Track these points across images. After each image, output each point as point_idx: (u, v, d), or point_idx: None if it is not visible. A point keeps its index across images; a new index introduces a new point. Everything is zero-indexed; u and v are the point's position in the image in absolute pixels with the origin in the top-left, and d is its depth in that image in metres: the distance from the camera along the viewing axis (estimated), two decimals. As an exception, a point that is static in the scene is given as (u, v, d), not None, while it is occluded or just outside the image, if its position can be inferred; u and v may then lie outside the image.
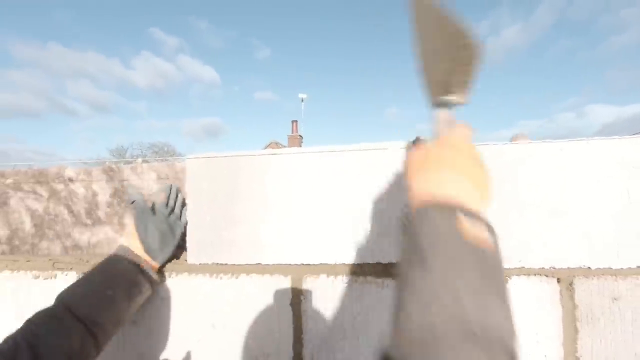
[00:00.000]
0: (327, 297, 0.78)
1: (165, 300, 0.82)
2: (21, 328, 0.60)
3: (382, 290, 0.76)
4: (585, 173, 0.71)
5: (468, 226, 0.34)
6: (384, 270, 0.76)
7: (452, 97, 0.47)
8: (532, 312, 0.72)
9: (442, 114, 0.48)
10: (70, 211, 1.08)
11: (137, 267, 0.74)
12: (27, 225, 1.09)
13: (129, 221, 0.80)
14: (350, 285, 0.77)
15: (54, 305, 0.65)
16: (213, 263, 0.81)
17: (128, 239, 0.78)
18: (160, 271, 0.81)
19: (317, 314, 0.78)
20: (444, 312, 0.29)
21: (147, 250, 0.76)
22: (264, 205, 0.80)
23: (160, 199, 0.80)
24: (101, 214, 1.07)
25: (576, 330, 0.71)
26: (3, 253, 1.04)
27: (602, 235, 0.70)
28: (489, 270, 0.32)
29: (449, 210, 0.35)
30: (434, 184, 0.39)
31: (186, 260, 0.83)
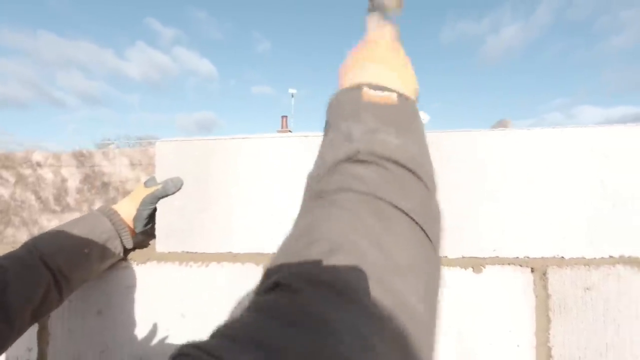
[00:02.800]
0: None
1: (132, 289, 0.80)
2: None
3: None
4: (559, 162, 0.71)
5: (370, 93, 0.39)
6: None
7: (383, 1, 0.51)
8: (506, 302, 0.71)
9: (373, 17, 0.51)
10: (38, 197, 1.04)
11: (116, 232, 0.73)
12: (-8, 211, 1.05)
13: (141, 189, 0.77)
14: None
15: (27, 250, 0.63)
16: (183, 251, 0.79)
17: (125, 204, 0.77)
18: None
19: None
20: (345, 147, 0.36)
21: (136, 220, 0.76)
22: (236, 191, 0.77)
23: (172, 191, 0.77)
24: (70, 200, 1.03)
25: (549, 320, 0.70)
26: (-34, 239, 1.00)
27: (575, 225, 0.70)
28: (389, 117, 0.38)
29: (355, 87, 0.40)
30: (350, 76, 0.44)
31: (153, 247, 0.80)
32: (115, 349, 0.80)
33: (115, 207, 0.76)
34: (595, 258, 0.70)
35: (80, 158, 1.04)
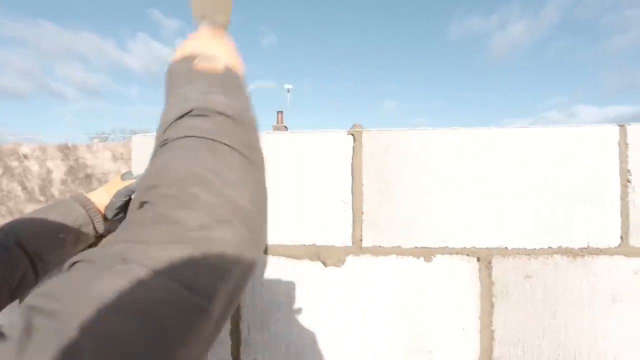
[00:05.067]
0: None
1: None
2: None
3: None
4: (505, 159, 0.77)
5: (200, 63, 0.49)
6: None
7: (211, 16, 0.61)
8: (453, 288, 0.78)
9: (202, 26, 0.61)
10: (24, 188, 1.09)
11: (89, 218, 0.77)
12: (-19, 201, 1.09)
13: (117, 181, 0.82)
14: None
15: (3, 234, 0.66)
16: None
17: (99, 193, 0.82)
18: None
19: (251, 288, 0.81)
20: (182, 106, 0.45)
21: (108, 208, 0.80)
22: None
23: None
24: (55, 191, 1.08)
25: (492, 305, 0.77)
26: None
27: (519, 218, 0.76)
28: (217, 82, 0.48)
29: (187, 58, 0.51)
30: (182, 51, 0.54)
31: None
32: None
33: (89, 195, 0.80)
34: (535, 248, 0.77)
35: (65, 151, 1.09)
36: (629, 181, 0.75)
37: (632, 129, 0.75)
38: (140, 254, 0.32)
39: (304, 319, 0.81)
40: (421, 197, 0.79)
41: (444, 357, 0.78)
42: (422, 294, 0.79)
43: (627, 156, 0.75)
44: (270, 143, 0.83)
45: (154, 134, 0.86)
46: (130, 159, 0.93)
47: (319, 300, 0.80)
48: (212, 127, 0.43)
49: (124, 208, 0.82)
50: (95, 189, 0.87)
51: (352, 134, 0.81)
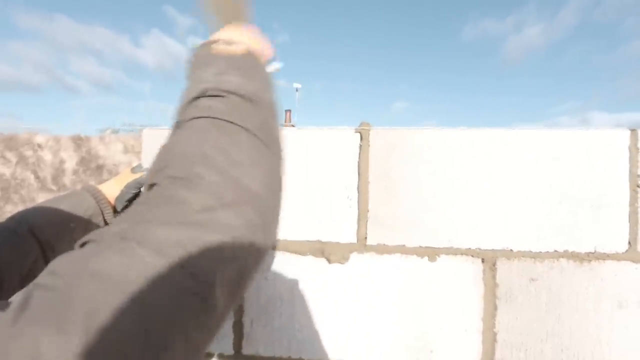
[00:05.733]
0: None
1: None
2: None
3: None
4: (512, 162, 0.76)
5: (220, 47, 0.49)
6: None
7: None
8: (457, 289, 0.78)
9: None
10: (37, 177, 1.11)
11: (99, 209, 0.79)
12: (-6, 188, 1.12)
13: (127, 174, 0.84)
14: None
15: (16, 221, 0.68)
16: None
17: (110, 184, 0.83)
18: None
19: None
20: (198, 87, 0.45)
21: (118, 200, 0.82)
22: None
23: None
24: (67, 180, 1.10)
25: (495, 307, 0.77)
26: (-32, 214, 1.07)
27: (525, 221, 0.76)
28: (234, 63, 0.47)
29: (208, 43, 0.50)
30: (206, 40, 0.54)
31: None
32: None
33: (100, 186, 0.82)
34: (541, 252, 0.76)
35: (78, 142, 1.11)
36: (638, 186, 0.74)
37: (644, 133, 0.74)
38: (140, 233, 0.32)
39: (307, 315, 0.81)
40: (427, 196, 0.79)
41: (446, 358, 0.78)
42: (426, 294, 0.79)
43: (637, 161, 0.74)
44: (278, 139, 0.84)
45: (164, 127, 0.88)
46: (140, 151, 0.95)
47: (323, 297, 0.81)
48: (224, 107, 0.43)
49: (133, 200, 0.84)
50: (105, 180, 0.89)
51: (359, 132, 0.81)
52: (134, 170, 0.85)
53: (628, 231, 0.74)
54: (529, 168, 0.76)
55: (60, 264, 0.31)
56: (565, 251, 0.76)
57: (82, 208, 0.75)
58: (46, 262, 0.69)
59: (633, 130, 0.74)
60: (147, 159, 0.86)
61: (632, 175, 0.74)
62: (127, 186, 0.82)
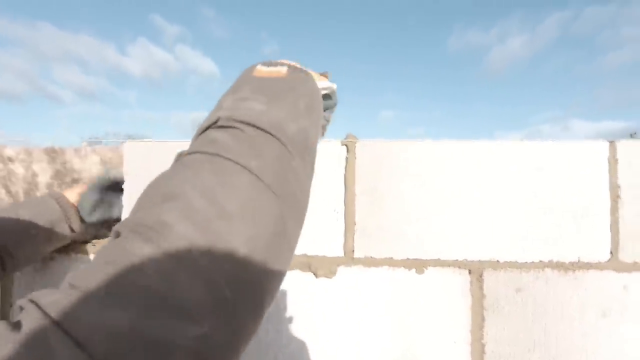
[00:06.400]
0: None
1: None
2: None
3: (306, 277, 0.79)
4: (497, 173, 0.77)
5: (262, 69, 0.43)
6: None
7: None
8: (445, 301, 0.77)
9: None
10: (8, 191, 1.06)
11: (64, 215, 0.77)
12: (-38, 204, 1.06)
13: (93, 179, 0.82)
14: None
15: None
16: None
17: (72, 191, 0.82)
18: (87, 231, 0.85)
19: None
20: (212, 116, 0.39)
21: (80, 205, 0.80)
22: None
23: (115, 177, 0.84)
24: (40, 195, 1.05)
25: (483, 318, 0.77)
26: None
27: (510, 231, 0.77)
28: (265, 87, 0.41)
29: (251, 66, 0.45)
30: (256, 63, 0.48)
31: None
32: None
33: (65, 192, 0.80)
34: (526, 262, 0.77)
35: (52, 154, 1.07)
36: (618, 196, 0.76)
37: (622, 145, 0.76)
38: (71, 308, 0.24)
39: (294, 330, 0.79)
40: (413, 208, 0.79)
41: (435, 371, 0.78)
42: (414, 306, 0.78)
43: (617, 171, 0.76)
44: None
45: (148, 140, 0.85)
46: (119, 164, 0.92)
47: (310, 310, 0.79)
48: (230, 140, 0.35)
49: (97, 207, 0.81)
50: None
51: (345, 145, 0.80)
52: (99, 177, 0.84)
53: (610, 240, 0.75)
54: (512, 179, 0.77)
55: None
56: (550, 261, 0.77)
57: (45, 214, 0.73)
58: (4, 269, 0.67)
59: (611, 142, 0.76)
60: (130, 172, 0.83)
61: (612, 186, 0.75)
62: (90, 189, 0.80)
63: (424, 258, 0.78)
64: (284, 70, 0.42)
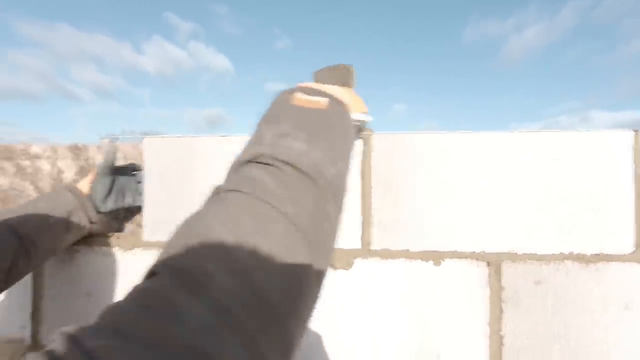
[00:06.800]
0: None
1: (118, 273, 0.86)
2: None
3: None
4: (514, 164, 0.76)
5: (300, 97, 0.42)
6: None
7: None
8: (462, 293, 0.77)
9: None
10: (36, 187, 1.10)
11: (79, 204, 0.80)
12: (-7, 199, 1.11)
13: (93, 170, 0.86)
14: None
15: None
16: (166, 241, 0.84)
17: (83, 182, 0.85)
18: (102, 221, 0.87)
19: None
20: (253, 149, 0.39)
21: (92, 194, 0.83)
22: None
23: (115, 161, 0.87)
24: (65, 190, 1.09)
25: (501, 311, 0.76)
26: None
27: (529, 223, 0.76)
28: (306, 122, 0.40)
29: (291, 90, 0.44)
30: (292, 88, 0.48)
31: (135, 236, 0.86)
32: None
33: (79, 183, 0.83)
34: (546, 254, 0.76)
35: (76, 151, 1.11)
36: (643, 187, 0.74)
37: (647, 133, 0.74)
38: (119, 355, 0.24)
39: (312, 321, 0.81)
40: (430, 200, 0.79)
41: (452, 363, 0.78)
42: (431, 298, 0.78)
43: (641, 161, 0.74)
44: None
45: (163, 136, 0.87)
46: (140, 159, 0.94)
47: (328, 303, 0.80)
48: (271, 182, 0.35)
49: (109, 194, 0.85)
50: None
51: (362, 137, 0.80)
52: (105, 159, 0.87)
53: (634, 232, 0.74)
54: (532, 170, 0.76)
55: None
56: (571, 253, 0.75)
57: (61, 204, 0.77)
58: (27, 257, 0.70)
59: (637, 131, 0.74)
60: (149, 167, 0.85)
61: (637, 176, 0.74)
62: (98, 175, 0.83)
63: (441, 250, 0.78)
64: (324, 102, 0.42)
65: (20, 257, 0.68)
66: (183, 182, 0.85)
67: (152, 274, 0.31)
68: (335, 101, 0.43)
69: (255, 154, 0.38)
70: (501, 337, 0.77)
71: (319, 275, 0.35)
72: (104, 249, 0.87)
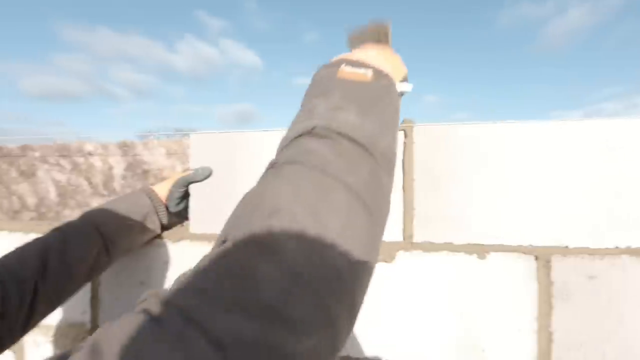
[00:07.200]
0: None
1: (168, 263, 0.90)
2: (51, 235, 0.72)
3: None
4: (564, 154, 0.73)
5: (346, 70, 0.42)
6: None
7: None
8: (508, 287, 0.76)
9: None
10: (90, 182, 1.17)
11: (154, 208, 0.85)
12: (52, 194, 1.20)
13: (177, 174, 0.91)
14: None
15: (82, 219, 0.77)
16: (212, 232, 0.88)
17: (162, 185, 0.90)
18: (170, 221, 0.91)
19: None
20: (306, 122, 0.39)
21: (168, 199, 0.88)
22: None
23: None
24: (116, 185, 1.16)
25: (551, 306, 0.74)
26: (32, 219, 1.15)
27: (580, 215, 0.73)
28: (355, 95, 0.41)
29: (335, 63, 0.44)
30: (340, 56, 0.49)
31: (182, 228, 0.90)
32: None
33: (154, 187, 0.87)
34: (600, 248, 0.72)
35: (124, 148, 1.17)
36: None
37: None
38: (204, 318, 0.26)
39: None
40: (473, 192, 0.77)
41: (498, 357, 0.76)
42: (476, 292, 0.77)
43: None
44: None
45: (209, 132, 0.90)
46: (183, 154, 0.98)
47: (370, 295, 0.80)
48: (329, 153, 0.35)
49: (183, 199, 0.88)
50: (151, 184, 0.94)
51: (403, 129, 0.80)
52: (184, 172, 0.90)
53: (699, 225, 0.69)
54: (582, 161, 0.73)
55: None
56: (628, 247, 0.72)
57: (139, 207, 0.81)
58: (108, 254, 0.76)
59: (702, 117, 0.69)
60: (195, 162, 0.89)
61: (702, 165, 0.69)
62: (176, 184, 0.87)
63: (485, 243, 0.77)
64: (369, 74, 0.42)
65: (102, 254, 0.75)
66: (228, 176, 0.88)
67: (222, 242, 0.32)
68: (379, 72, 0.43)
69: (309, 127, 0.38)
70: (550, 333, 0.74)
71: (378, 245, 0.36)
72: (156, 240, 0.91)
